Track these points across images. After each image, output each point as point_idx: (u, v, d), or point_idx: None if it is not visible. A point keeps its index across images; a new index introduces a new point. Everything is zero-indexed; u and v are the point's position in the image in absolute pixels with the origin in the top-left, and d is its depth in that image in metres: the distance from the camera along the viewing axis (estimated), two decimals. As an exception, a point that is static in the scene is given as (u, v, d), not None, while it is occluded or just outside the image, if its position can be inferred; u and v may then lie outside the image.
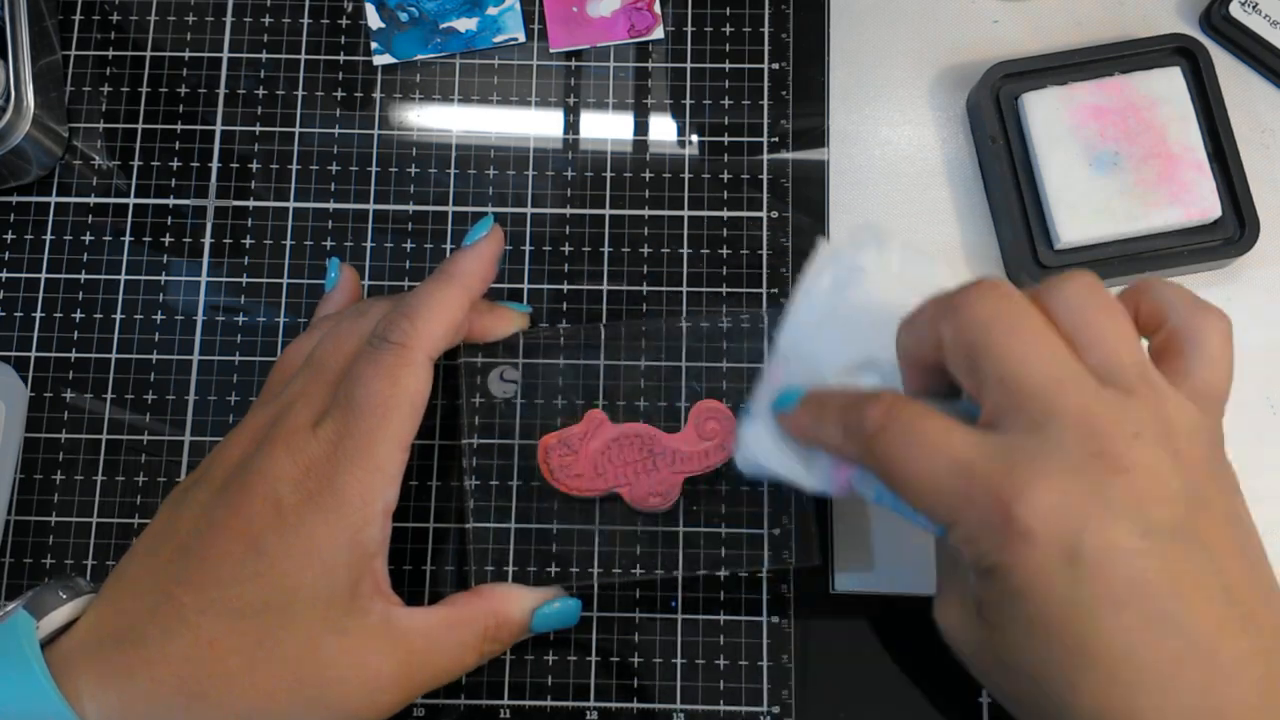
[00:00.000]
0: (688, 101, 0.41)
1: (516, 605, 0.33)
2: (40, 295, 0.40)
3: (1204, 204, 0.37)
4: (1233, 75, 0.40)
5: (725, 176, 0.41)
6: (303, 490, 0.29)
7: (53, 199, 0.40)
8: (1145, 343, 0.28)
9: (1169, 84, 0.38)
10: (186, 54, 0.42)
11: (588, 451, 0.36)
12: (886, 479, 0.27)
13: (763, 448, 0.31)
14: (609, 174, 0.41)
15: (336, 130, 0.41)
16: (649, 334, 0.37)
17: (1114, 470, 0.24)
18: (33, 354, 0.39)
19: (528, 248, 0.40)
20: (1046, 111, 0.38)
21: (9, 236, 0.40)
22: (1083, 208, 0.37)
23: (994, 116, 0.38)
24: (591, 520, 0.36)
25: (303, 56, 0.42)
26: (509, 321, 0.36)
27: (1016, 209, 0.38)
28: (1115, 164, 0.37)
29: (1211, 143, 0.38)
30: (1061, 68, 0.39)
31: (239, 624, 0.28)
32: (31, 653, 0.27)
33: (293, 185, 0.41)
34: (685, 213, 0.40)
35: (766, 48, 0.42)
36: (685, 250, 0.40)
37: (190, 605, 0.28)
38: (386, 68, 0.41)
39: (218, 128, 0.41)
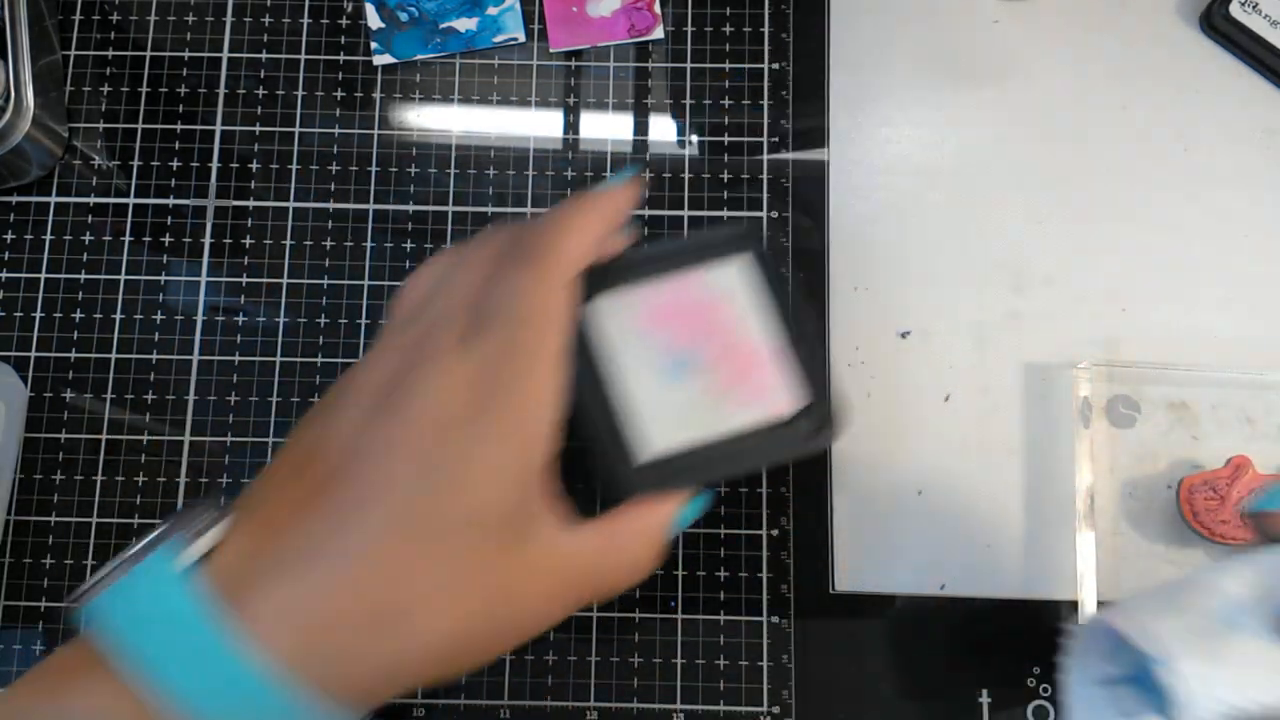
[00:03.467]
0: (688, 101, 0.41)
1: (664, 517, 0.32)
2: (40, 295, 0.40)
3: (780, 399, 0.34)
4: (1233, 75, 0.40)
5: (725, 176, 0.41)
6: (471, 408, 0.28)
7: (53, 199, 0.40)
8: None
9: (736, 278, 0.35)
10: (186, 54, 0.42)
11: (1233, 498, 0.36)
12: None
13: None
14: (609, 174, 0.41)
15: (336, 130, 0.41)
16: None
17: None
18: (33, 354, 0.39)
19: (528, 248, 0.40)
20: (615, 317, 0.35)
21: (9, 236, 0.40)
22: (660, 417, 0.34)
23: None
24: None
25: (303, 56, 0.42)
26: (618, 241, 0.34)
27: (603, 420, 0.34)
28: (690, 367, 0.34)
29: (785, 333, 0.34)
30: (628, 267, 0.35)
31: (427, 545, 0.26)
32: (198, 588, 0.25)
33: (293, 185, 0.41)
34: (685, 213, 0.40)
35: (766, 48, 0.41)
36: (685, 250, 0.40)
37: (372, 524, 0.26)
38: (386, 68, 0.41)
39: (218, 128, 0.41)
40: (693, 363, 0.33)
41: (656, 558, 0.32)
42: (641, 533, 0.31)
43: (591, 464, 0.34)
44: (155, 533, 0.26)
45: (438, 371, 0.28)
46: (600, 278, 0.35)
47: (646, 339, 0.35)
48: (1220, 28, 0.40)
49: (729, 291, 0.35)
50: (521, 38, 0.41)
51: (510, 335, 0.28)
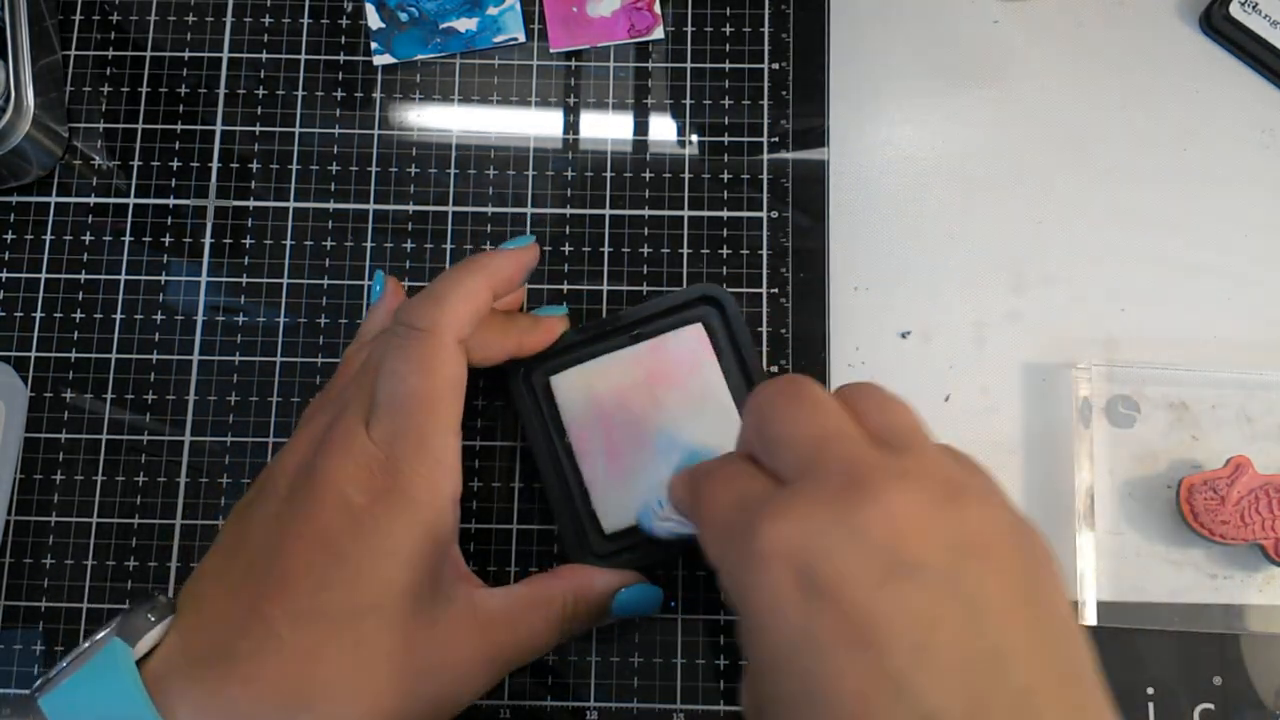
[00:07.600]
0: (688, 101, 0.41)
1: (598, 583, 0.33)
2: (40, 295, 0.40)
3: None
4: (1233, 75, 0.40)
5: (725, 176, 0.41)
6: (370, 491, 0.29)
7: (53, 199, 0.40)
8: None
9: (694, 343, 0.36)
10: (186, 54, 0.42)
11: (1234, 498, 0.36)
12: (694, 516, 0.28)
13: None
14: (609, 174, 0.41)
15: (336, 130, 0.41)
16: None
17: (866, 499, 0.22)
18: (33, 354, 0.39)
19: (528, 248, 0.40)
20: (574, 392, 0.35)
21: (9, 236, 0.40)
22: (616, 492, 0.34)
23: (530, 402, 0.36)
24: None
25: (303, 56, 0.42)
26: (555, 330, 0.36)
27: (576, 493, 0.35)
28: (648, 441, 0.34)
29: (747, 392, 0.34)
30: (587, 342, 0.36)
31: (333, 630, 0.28)
32: (134, 685, 0.26)
33: (293, 185, 0.41)
34: (685, 213, 0.40)
35: (766, 48, 0.42)
36: (685, 250, 0.40)
37: (279, 617, 0.27)
38: (386, 68, 0.41)
39: (218, 128, 0.41)
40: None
41: (581, 624, 0.32)
42: (569, 592, 0.32)
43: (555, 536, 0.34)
44: (109, 626, 0.28)
45: (342, 458, 0.29)
46: (562, 353, 0.36)
47: (605, 413, 0.35)
48: (1220, 28, 0.40)
49: (689, 357, 0.36)
50: (521, 38, 0.41)
51: (401, 421, 0.30)
